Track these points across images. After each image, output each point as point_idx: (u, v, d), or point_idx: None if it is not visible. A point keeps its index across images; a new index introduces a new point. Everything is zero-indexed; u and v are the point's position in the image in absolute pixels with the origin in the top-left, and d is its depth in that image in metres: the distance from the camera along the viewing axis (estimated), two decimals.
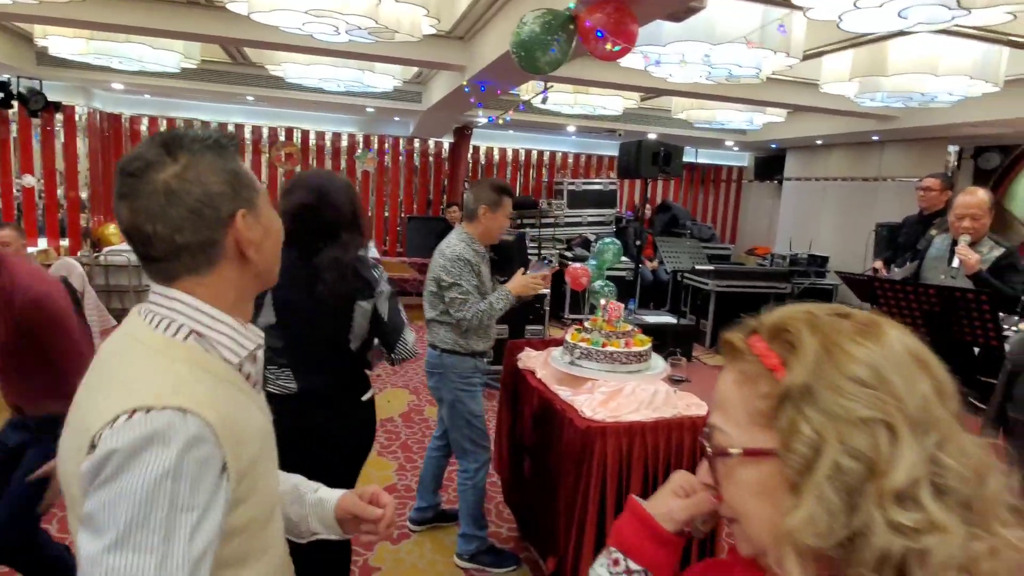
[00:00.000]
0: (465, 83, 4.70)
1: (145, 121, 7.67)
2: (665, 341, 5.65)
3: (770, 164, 9.14)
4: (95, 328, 4.05)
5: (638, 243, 5.79)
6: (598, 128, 7.66)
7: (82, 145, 6.97)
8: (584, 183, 8.48)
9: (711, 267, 5.36)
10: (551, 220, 8.00)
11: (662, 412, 2.46)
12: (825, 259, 7.58)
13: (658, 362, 2.81)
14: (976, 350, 2.93)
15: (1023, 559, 0.58)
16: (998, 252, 3.07)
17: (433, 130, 7.99)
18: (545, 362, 2.92)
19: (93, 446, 0.75)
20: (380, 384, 5.27)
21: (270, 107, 7.64)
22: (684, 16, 3.34)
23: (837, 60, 4.74)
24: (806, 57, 4.67)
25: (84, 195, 7.08)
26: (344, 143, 8.25)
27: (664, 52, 3.89)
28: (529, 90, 5.81)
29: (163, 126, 7.69)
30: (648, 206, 8.69)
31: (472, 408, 2.73)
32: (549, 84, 5.23)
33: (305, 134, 8.06)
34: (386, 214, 8.61)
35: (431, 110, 6.44)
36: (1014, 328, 4.40)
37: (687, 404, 2.53)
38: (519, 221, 8.21)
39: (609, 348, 2.66)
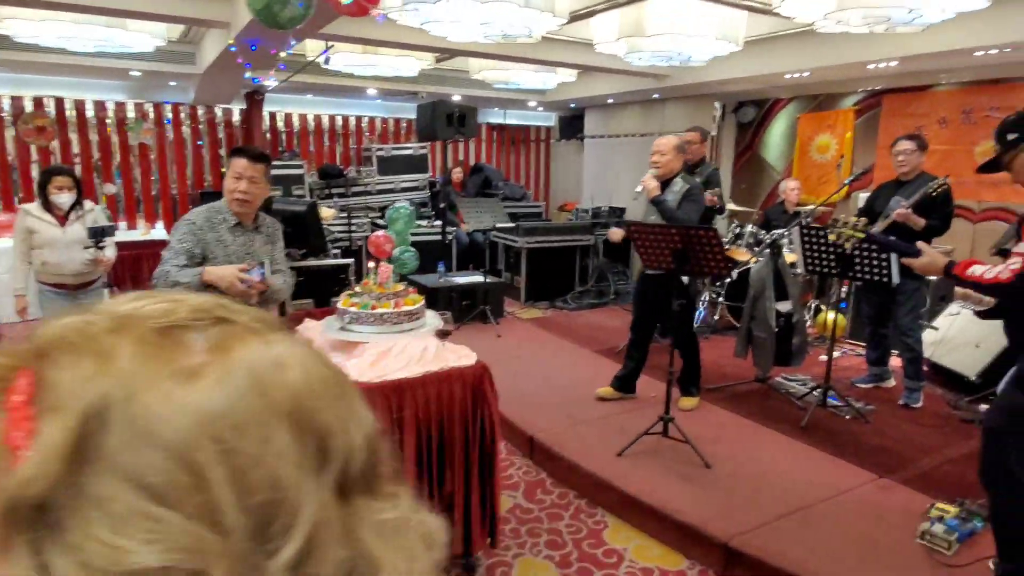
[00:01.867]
0: (231, 42, 4.33)
1: None
2: (475, 300, 5.81)
3: (572, 123, 9.60)
4: None
5: (442, 206, 5.82)
6: (399, 91, 7.52)
7: None
8: (394, 148, 8.33)
9: (512, 224, 5.56)
10: (361, 188, 7.78)
11: (431, 366, 2.51)
12: (623, 211, 8.20)
13: (434, 320, 2.86)
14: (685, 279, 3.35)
15: None
16: (685, 188, 3.65)
17: (218, 96, 7.32)
18: (322, 331, 2.85)
19: None
20: None
21: (6, 72, 6.50)
22: None
23: (606, 21, 5.03)
24: (575, 18, 4.92)
25: None
26: (111, 112, 7.28)
27: (433, 10, 3.87)
28: (313, 50, 5.52)
29: None
30: (459, 168, 8.75)
31: None
32: (330, 43, 5.00)
33: (60, 103, 6.98)
34: (173, 190, 7.81)
35: (209, 73, 5.87)
36: (759, 259, 5.08)
37: (457, 356, 2.62)
38: (328, 191, 7.89)
39: (379, 310, 2.65)
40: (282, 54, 4.59)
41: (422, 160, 8.44)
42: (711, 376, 4.68)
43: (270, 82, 6.74)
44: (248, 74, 4.79)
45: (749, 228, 6.13)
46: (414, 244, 6.27)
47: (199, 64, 6.08)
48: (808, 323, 6.00)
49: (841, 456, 3.41)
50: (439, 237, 7.54)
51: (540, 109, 9.72)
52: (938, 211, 3.89)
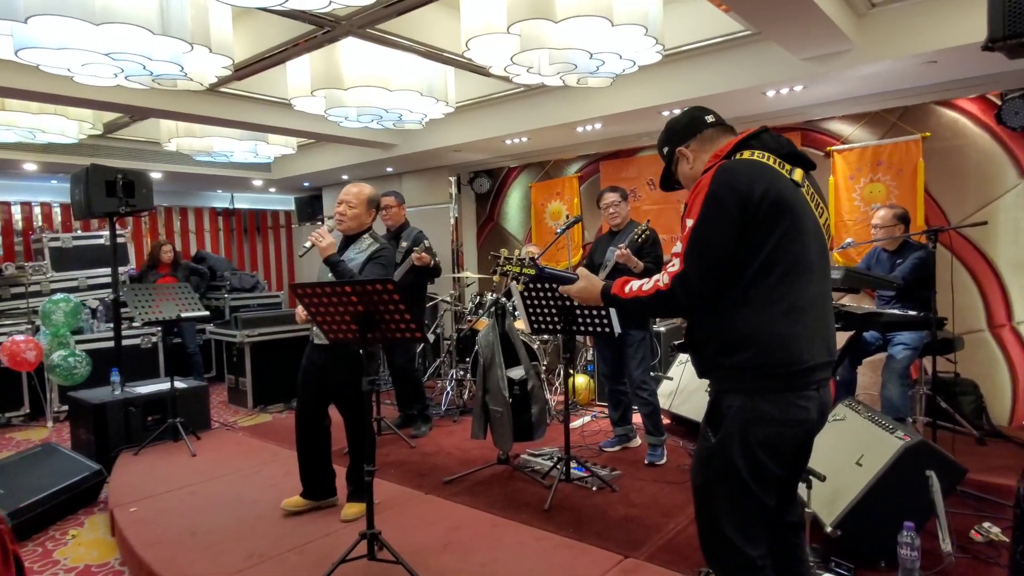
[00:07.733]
0: None
1: None
2: (165, 415, 4.52)
3: (311, 204, 8.86)
4: None
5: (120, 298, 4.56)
6: (71, 166, 6.12)
7: None
8: (77, 238, 6.75)
9: (203, 313, 4.49)
10: (22, 289, 6.06)
11: None
12: None
13: None
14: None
15: None
16: (375, 247, 3.15)
17: None
18: None
19: None
20: None
21: None
22: None
23: (297, 71, 4.43)
24: (246, 66, 4.27)
25: None
26: None
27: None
28: None
29: None
30: (169, 247, 7.39)
31: None
32: None
33: None
34: None
35: None
36: (487, 319, 4.64)
37: None
38: None
39: None
40: None
41: (122, 250, 6.95)
42: (452, 465, 4.00)
43: None
44: None
45: (490, 296, 5.79)
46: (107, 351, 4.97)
47: None
48: (559, 390, 5.73)
49: (585, 539, 2.88)
50: (136, 341, 6.09)
51: (273, 191, 8.83)
52: (648, 254, 3.82)
